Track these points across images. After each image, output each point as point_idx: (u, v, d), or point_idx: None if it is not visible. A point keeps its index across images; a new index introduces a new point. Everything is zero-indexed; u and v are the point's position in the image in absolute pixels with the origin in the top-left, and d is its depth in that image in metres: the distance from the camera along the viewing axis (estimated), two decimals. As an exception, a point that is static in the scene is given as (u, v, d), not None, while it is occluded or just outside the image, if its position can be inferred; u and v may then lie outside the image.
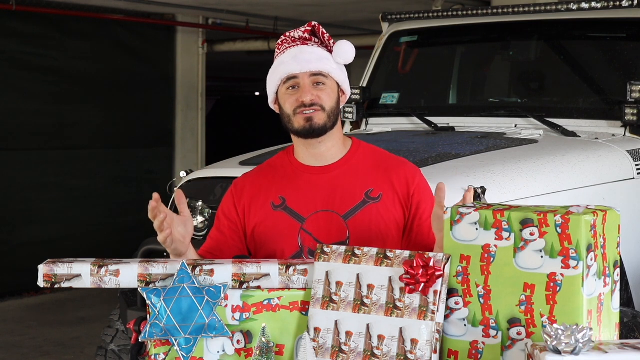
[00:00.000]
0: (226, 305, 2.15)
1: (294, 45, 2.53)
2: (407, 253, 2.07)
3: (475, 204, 2.10)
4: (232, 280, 2.17)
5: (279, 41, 2.57)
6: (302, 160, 2.56)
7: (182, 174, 4.20)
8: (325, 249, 2.15)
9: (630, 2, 4.26)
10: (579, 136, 4.14)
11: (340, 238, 2.46)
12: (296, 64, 2.49)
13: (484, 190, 3.19)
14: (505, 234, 1.96)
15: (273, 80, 2.55)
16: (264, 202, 2.55)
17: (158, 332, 2.12)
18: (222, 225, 2.61)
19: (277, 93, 2.56)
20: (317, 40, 2.54)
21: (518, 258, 1.95)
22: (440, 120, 4.57)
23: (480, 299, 1.99)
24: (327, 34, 2.55)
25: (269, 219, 2.53)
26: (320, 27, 2.55)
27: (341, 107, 2.58)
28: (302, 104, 2.47)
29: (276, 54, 2.57)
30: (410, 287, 2.01)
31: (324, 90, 2.49)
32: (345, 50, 2.53)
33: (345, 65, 2.58)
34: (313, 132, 2.48)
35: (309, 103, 2.47)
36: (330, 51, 2.54)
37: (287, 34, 2.56)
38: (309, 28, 2.55)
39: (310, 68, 2.48)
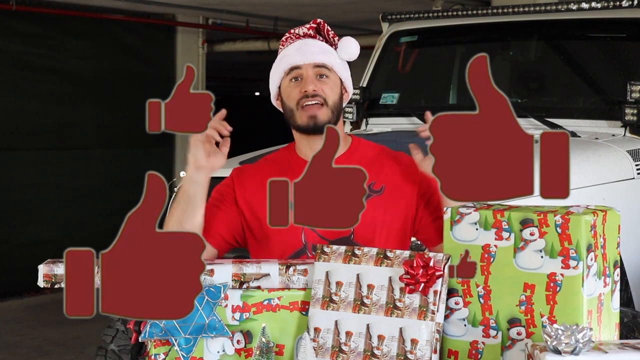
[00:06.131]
0: (226, 305, 2.15)
1: (298, 41, 2.53)
2: (407, 253, 2.06)
3: (475, 204, 2.10)
4: (232, 280, 2.17)
5: (283, 38, 2.55)
6: (303, 156, 2.54)
7: (182, 174, 4.16)
8: (325, 249, 2.15)
9: (630, 2, 4.26)
10: (579, 136, 4.14)
11: (345, 233, 2.45)
12: (300, 55, 2.47)
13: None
14: (505, 234, 1.96)
15: (276, 73, 2.52)
16: (265, 197, 2.52)
17: (158, 332, 2.12)
18: (216, 200, 2.57)
19: (279, 88, 2.54)
20: (321, 37, 2.53)
21: (518, 258, 1.95)
22: (440, 120, 4.56)
23: (480, 299, 1.99)
24: (332, 32, 2.54)
25: None
26: (325, 24, 2.53)
27: (343, 105, 2.56)
28: (305, 95, 2.45)
29: (279, 49, 2.56)
30: (410, 287, 2.01)
31: (327, 84, 2.48)
32: (350, 47, 2.52)
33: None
34: (316, 129, 2.46)
35: (312, 93, 2.44)
36: (335, 48, 2.53)
37: (292, 30, 2.54)
38: (314, 25, 2.54)
39: (314, 59, 2.47)
